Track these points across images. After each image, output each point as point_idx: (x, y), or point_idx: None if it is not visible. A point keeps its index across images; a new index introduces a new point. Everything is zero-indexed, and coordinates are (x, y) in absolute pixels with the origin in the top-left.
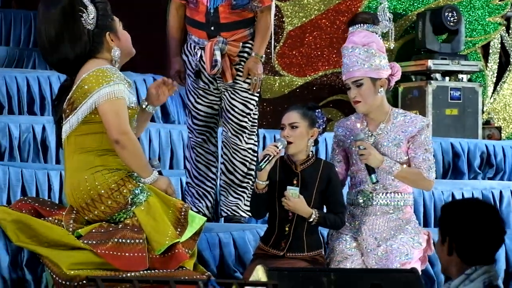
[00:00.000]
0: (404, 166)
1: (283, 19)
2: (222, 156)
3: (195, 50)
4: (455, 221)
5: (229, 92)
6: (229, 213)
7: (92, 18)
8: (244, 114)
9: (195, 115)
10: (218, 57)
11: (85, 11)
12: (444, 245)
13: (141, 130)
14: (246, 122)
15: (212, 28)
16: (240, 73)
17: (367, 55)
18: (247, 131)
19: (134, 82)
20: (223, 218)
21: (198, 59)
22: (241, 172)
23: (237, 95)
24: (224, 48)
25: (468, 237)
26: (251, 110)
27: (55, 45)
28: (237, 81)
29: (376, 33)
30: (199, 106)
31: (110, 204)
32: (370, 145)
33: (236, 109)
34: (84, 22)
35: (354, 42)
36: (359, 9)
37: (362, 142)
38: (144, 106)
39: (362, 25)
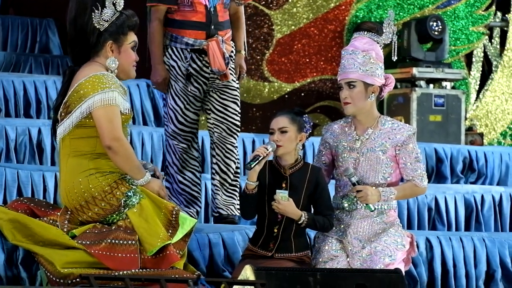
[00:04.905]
0: (392, 185)
1: (273, 27)
2: (214, 156)
3: (184, 54)
4: None
5: (219, 93)
6: (229, 212)
7: (104, 20)
8: (237, 113)
9: (182, 121)
10: (227, 54)
11: (99, 9)
12: None
13: None
14: (238, 121)
15: (212, 26)
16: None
17: (364, 60)
18: (239, 129)
19: (128, 87)
20: (218, 217)
21: (188, 62)
22: (232, 171)
23: (228, 94)
24: (224, 46)
25: None
26: (239, 108)
27: (70, 22)
28: (229, 80)
29: (378, 43)
30: (187, 112)
31: (104, 206)
32: (365, 186)
33: (229, 109)
34: (94, 19)
35: (354, 46)
36: (346, 17)
37: (357, 186)
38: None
39: (366, 32)
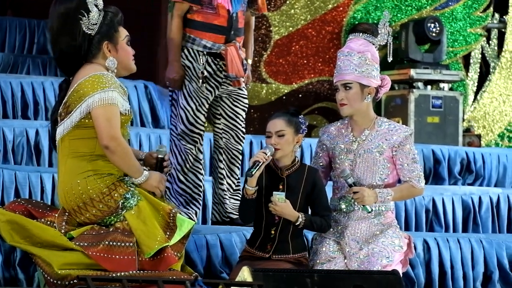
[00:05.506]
0: (391, 185)
1: (271, 29)
2: (221, 162)
3: (200, 57)
4: None
5: (232, 99)
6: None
7: (93, 24)
8: (244, 120)
9: (193, 122)
10: (245, 61)
11: (86, 15)
12: None
13: None
14: (244, 128)
15: (232, 32)
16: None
17: (360, 61)
18: (244, 136)
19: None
20: (229, 222)
21: (204, 65)
22: (236, 176)
23: (240, 103)
24: (241, 52)
25: None
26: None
27: (55, 39)
28: (240, 88)
29: (374, 44)
30: (198, 114)
31: (102, 208)
32: (362, 187)
33: (240, 117)
34: (83, 25)
35: (350, 48)
36: (344, 19)
37: (353, 187)
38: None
39: (361, 34)
